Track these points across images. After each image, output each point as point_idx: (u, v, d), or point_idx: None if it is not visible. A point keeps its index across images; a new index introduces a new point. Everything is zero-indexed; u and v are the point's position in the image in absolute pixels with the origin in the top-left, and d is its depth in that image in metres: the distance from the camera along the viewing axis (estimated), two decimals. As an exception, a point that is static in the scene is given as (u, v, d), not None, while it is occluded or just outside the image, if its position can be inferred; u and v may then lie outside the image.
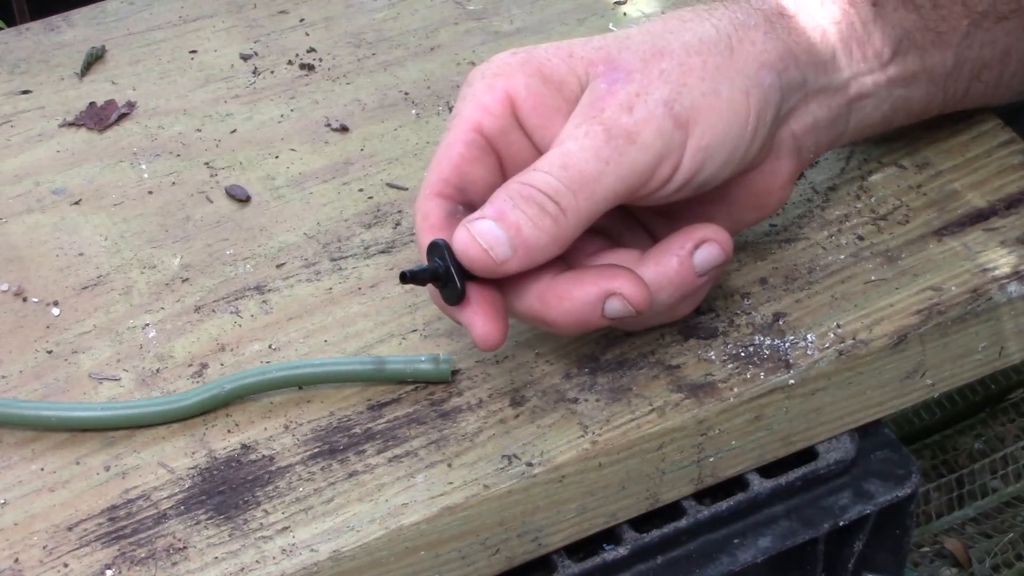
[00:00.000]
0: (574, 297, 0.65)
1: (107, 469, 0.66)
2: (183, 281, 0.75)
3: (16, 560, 0.63)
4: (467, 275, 0.64)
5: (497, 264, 0.63)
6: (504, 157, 0.67)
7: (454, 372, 0.70)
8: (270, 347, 0.72)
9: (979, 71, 0.76)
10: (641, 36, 0.67)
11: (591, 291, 0.65)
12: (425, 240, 0.65)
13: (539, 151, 0.67)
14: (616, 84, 0.65)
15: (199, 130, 0.85)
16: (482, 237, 0.63)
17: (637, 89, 0.64)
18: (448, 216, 0.65)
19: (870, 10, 0.72)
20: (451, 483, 0.65)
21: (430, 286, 0.65)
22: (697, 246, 0.66)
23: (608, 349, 0.70)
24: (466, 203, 0.66)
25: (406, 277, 0.64)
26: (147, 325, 0.73)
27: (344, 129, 0.85)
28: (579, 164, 0.63)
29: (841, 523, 0.73)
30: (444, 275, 0.64)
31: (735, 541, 0.72)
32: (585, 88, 0.66)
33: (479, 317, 0.64)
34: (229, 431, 0.68)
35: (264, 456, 0.67)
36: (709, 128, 0.65)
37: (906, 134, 0.82)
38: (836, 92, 0.71)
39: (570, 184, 0.63)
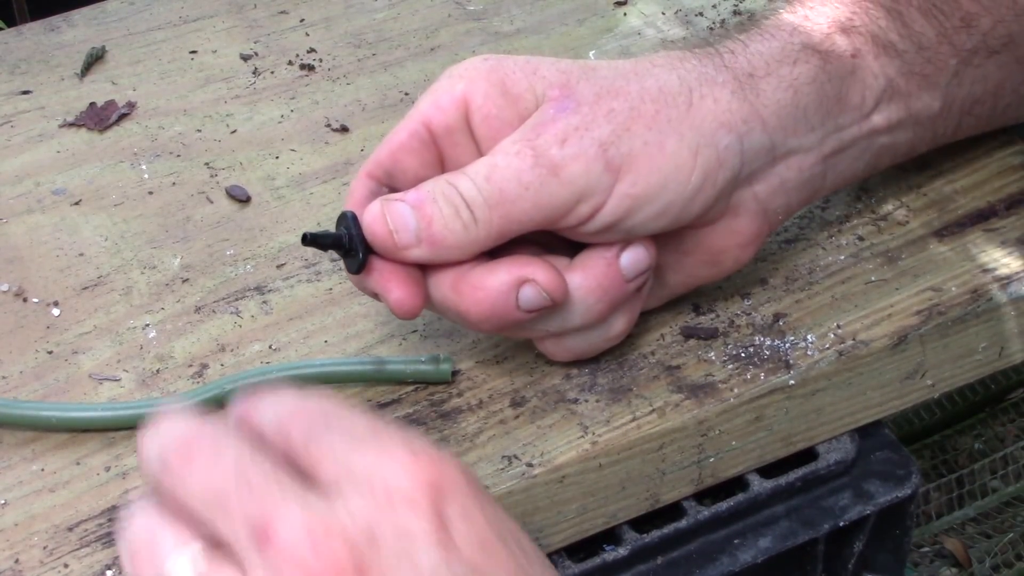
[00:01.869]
0: (487, 285, 0.64)
1: (107, 469, 0.66)
2: (183, 281, 0.75)
3: (16, 560, 0.63)
4: (372, 250, 0.65)
5: (398, 248, 0.64)
6: (447, 157, 0.67)
7: (454, 372, 0.70)
8: (270, 347, 0.72)
9: (970, 107, 0.74)
10: (606, 71, 0.66)
11: (504, 278, 0.64)
12: (345, 205, 0.66)
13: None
14: (561, 113, 0.64)
15: (199, 130, 0.85)
16: (392, 217, 0.64)
17: (578, 123, 0.64)
18: (371, 195, 0.66)
19: (848, 63, 0.69)
20: (451, 483, 0.65)
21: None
22: (623, 248, 0.66)
23: (608, 350, 0.70)
24: (392, 188, 0.67)
25: (307, 239, 0.65)
26: (147, 325, 0.73)
27: (344, 129, 0.85)
28: (501, 181, 0.63)
29: (841, 523, 0.73)
30: (347, 243, 0.65)
31: (735, 541, 0.72)
32: (540, 103, 0.65)
33: (392, 283, 0.64)
34: (229, 431, 0.68)
35: (264, 456, 0.67)
36: (643, 178, 0.64)
37: (906, 134, 0.82)
38: (808, 152, 0.69)
39: (488, 198, 0.63)
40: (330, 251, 0.75)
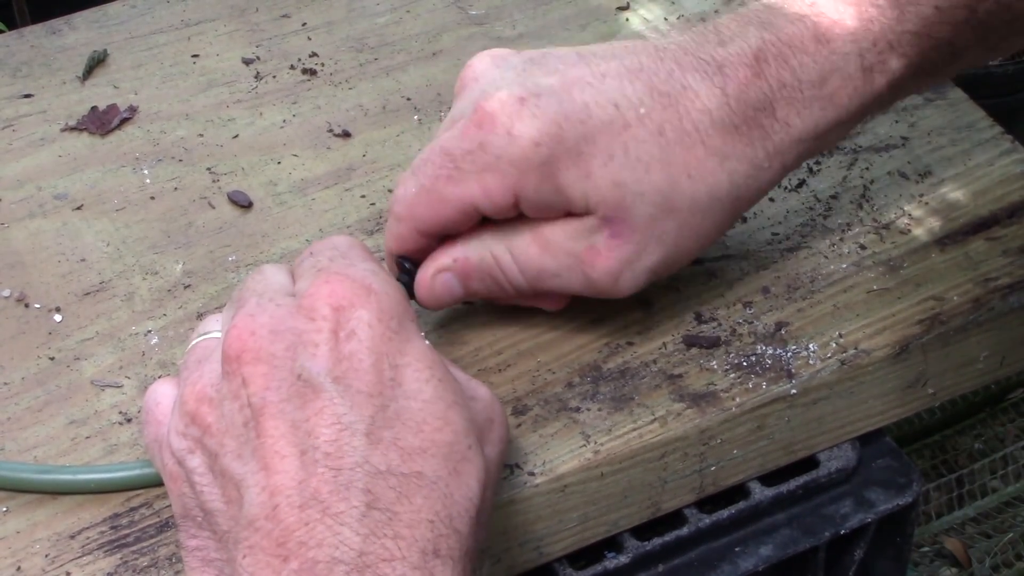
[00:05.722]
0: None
1: (109, 477, 0.66)
2: (185, 287, 0.75)
3: (19, 568, 0.63)
4: None
5: (446, 308, 0.72)
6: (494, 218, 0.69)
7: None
8: (272, 354, 0.72)
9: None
10: (660, 175, 0.66)
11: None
12: (394, 250, 0.70)
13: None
14: (615, 240, 0.66)
15: (201, 135, 0.85)
16: (439, 296, 0.69)
17: (630, 255, 0.67)
18: (426, 248, 0.69)
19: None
20: (453, 492, 0.65)
21: None
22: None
23: (610, 358, 0.71)
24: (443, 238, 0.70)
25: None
26: (149, 331, 0.73)
27: (346, 134, 0.85)
28: (551, 283, 0.68)
29: (842, 531, 0.74)
30: (410, 292, 0.69)
31: (736, 549, 0.72)
32: (592, 212, 0.66)
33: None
34: (231, 439, 0.68)
35: (266, 464, 0.67)
36: (684, 264, 0.70)
37: (908, 142, 0.82)
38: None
39: (534, 287, 0.69)
40: None
